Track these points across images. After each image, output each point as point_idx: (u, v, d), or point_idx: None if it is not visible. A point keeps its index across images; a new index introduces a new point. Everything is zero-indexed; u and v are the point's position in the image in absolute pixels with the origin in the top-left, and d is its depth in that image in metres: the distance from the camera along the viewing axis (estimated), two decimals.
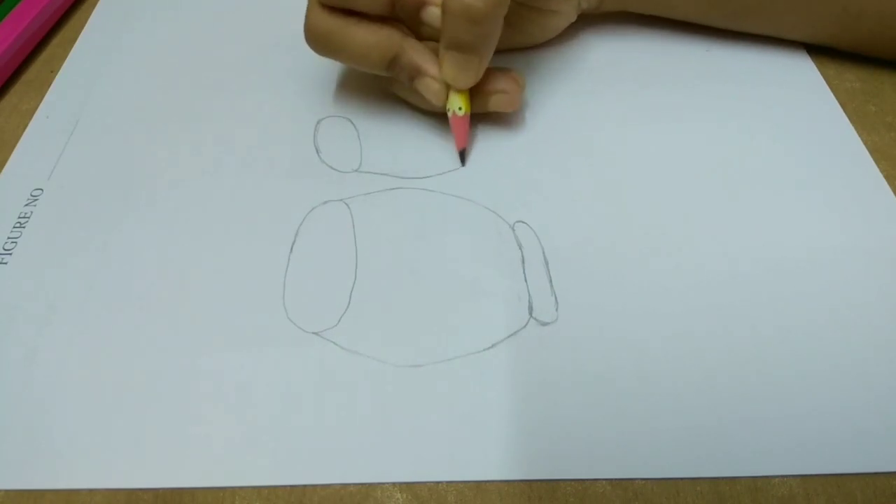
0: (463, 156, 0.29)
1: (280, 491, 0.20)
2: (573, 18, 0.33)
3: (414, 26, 0.28)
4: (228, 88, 0.33)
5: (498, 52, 0.31)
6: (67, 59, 0.35)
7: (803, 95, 0.31)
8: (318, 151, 0.30)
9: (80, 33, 0.37)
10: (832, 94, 0.31)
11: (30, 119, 0.32)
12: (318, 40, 0.27)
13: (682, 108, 0.31)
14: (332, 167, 0.29)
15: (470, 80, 0.27)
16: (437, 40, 0.27)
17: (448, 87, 0.28)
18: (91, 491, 0.21)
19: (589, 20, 0.35)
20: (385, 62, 0.27)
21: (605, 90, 0.32)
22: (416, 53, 0.27)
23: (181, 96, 0.33)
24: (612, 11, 0.34)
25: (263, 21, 0.37)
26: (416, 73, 0.27)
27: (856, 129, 0.30)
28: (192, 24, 0.37)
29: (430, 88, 0.28)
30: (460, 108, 0.28)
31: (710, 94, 0.32)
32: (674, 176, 0.28)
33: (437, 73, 0.27)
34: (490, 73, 0.28)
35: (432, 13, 0.26)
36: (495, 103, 0.29)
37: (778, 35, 0.33)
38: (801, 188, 0.27)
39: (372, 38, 0.27)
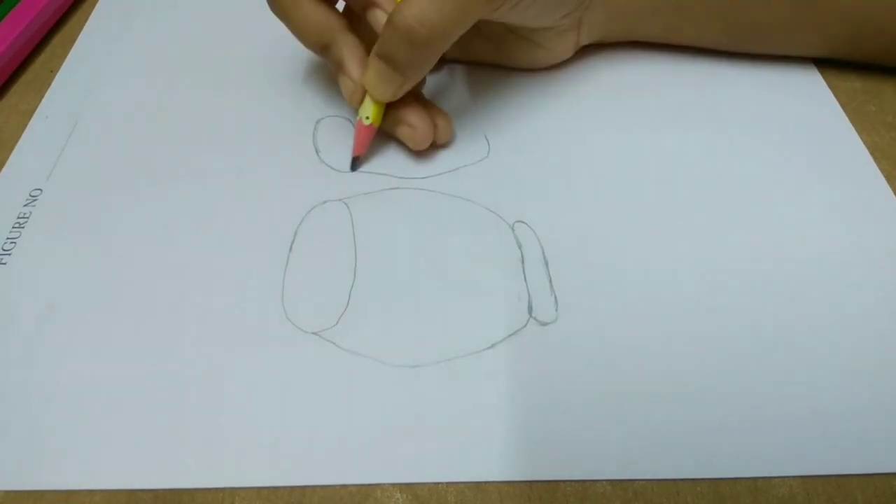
0: (355, 163, 0.29)
1: (280, 491, 0.20)
2: (568, 55, 0.32)
3: (361, 22, 0.28)
4: (227, 88, 0.33)
5: (488, 66, 0.32)
6: (67, 59, 0.35)
7: (803, 95, 0.31)
8: (317, 151, 0.30)
9: (79, 33, 0.37)
10: (832, 94, 0.31)
11: (29, 119, 0.32)
12: (271, 0, 0.28)
13: (680, 109, 0.31)
14: (331, 167, 0.29)
15: (387, 96, 0.27)
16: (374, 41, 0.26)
17: (365, 93, 0.27)
18: (90, 492, 0.21)
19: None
20: (318, 46, 0.28)
21: (604, 94, 0.32)
22: (347, 49, 0.27)
23: (180, 96, 0.33)
24: (618, 42, 0.33)
25: (263, 21, 0.37)
26: (339, 67, 0.28)
27: (856, 128, 0.30)
28: (192, 24, 0.37)
29: (346, 87, 0.28)
30: (368, 118, 0.28)
31: (710, 95, 0.32)
32: (673, 176, 0.28)
33: (356, 75, 0.27)
34: (410, 101, 0.28)
35: (376, 17, 0.26)
36: (401, 133, 0.28)
37: (790, 54, 0.32)
38: (801, 188, 0.27)
39: (313, 18, 0.27)
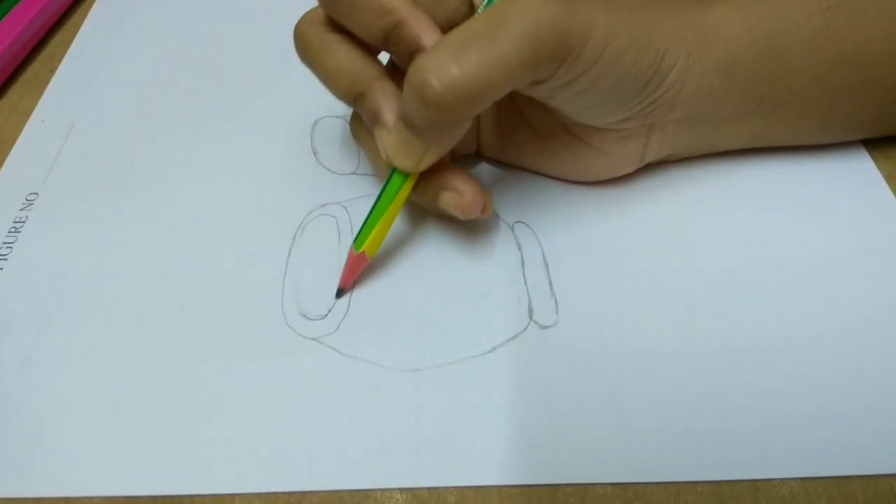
0: (340, 293, 0.25)
1: (279, 494, 0.20)
2: (630, 169, 0.27)
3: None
4: (225, 90, 0.33)
5: (532, 172, 0.28)
6: (62, 61, 0.35)
7: None
8: (315, 153, 0.30)
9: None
10: None
11: (28, 119, 0.32)
12: (298, 45, 0.24)
13: None
14: (329, 169, 0.29)
15: (408, 164, 0.22)
16: None
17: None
18: (89, 498, 0.21)
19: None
20: (352, 93, 0.23)
21: None
22: (384, 98, 0.23)
23: (177, 98, 0.33)
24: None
25: (261, 21, 0.37)
26: (375, 118, 0.23)
27: None
28: (190, 25, 0.37)
29: (382, 141, 0.23)
30: (359, 250, 0.24)
31: None
32: (672, 175, 0.28)
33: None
34: (446, 165, 0.23)
35: None
36: (445, 201, 0.23)
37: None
38: (800, 189, 0.27)
39: (346, 65, 0.23)
